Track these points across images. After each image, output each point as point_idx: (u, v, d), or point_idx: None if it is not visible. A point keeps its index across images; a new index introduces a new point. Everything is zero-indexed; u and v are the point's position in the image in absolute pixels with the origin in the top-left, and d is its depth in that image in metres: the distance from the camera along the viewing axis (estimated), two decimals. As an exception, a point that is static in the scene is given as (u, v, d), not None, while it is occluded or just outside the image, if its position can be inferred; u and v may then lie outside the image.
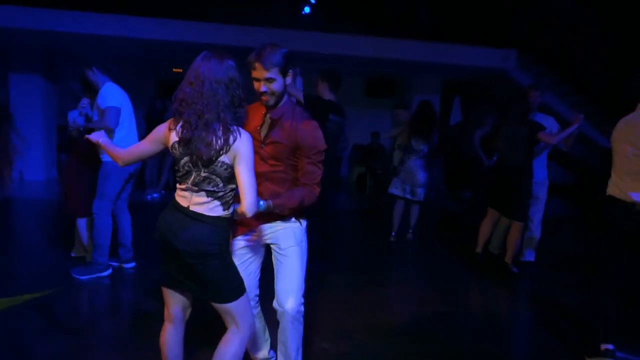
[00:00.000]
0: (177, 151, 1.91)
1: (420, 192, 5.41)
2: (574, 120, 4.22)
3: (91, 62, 3.82)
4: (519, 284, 4.50)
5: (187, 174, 1.92)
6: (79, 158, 4.02)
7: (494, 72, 8.47)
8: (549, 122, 4.58)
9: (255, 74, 2.07)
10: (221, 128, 1.82)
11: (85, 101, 4.02)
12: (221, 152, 1.82)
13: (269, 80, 2.05)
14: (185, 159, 1.89)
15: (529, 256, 4.80)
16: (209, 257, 1.89)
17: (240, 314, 1.99)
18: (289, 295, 2.16)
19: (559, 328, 3.49)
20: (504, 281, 4.46)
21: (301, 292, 2.21)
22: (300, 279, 2.21)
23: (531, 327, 3.62)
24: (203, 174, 1.88)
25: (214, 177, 1.87)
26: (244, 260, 2.26)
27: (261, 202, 1.94)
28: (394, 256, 5.25)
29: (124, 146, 3.91)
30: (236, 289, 1.98)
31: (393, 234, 5.56)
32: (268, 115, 2.16)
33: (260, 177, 2.07)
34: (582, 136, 8.76)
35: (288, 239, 2.22)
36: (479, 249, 4.72)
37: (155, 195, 7.40)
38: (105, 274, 3.91)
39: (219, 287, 1.94)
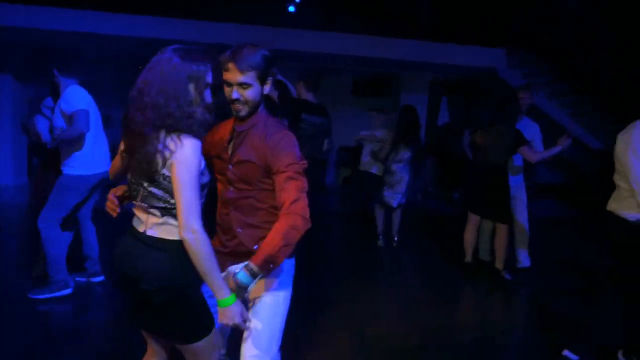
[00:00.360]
0: (124, 162, 1.63)
1: (400, 198, 5.25)
2: (561, 141, 4.00)
3: (55, 63, 3.53)
4: (513, 292, 4.30)
5: (135, 189, 1.63)
6: (50, 164, 3.68)
7: (484, 71, 8.31)
8: (534, 130, 4.46)
9: (227, 76, 1.71)
10: (163, 136, 1.53)
11: (48, 101, 3.75)
12: (162, 164, 1.53)
13: (243, 85, 1.70)
14: (131, 171, 1.61)
15: (525, 261, 4.64)
16: (169, 293, 1.57)
17: (206, 355, 1.69)
18: None
19: (557, 339, 3.28)
20: (497, 290, 4.27)
21: (271, 356, 1.78)
22: (271, 341, 1.78)
23: (528, 341, 3.40)
24: (148, 189, 1.59)
25: (160, 192, 1.58)
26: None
27: (238, 272, 1.58)
28: (382, 265, 5.01)
29: (94, 151, 3.75)
30: (202, 328, 1.66)
31: (380, 237, 5.42)
32: (234, 128, 1.81)
33: (227, 205, 1.81)
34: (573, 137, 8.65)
35: (259, 286, 1.73)
36: (468, 258, 4.51)
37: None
38: (64, 292, 3.55)
39: (180, 328, 1.64)
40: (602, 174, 8.28)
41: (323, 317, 3.49)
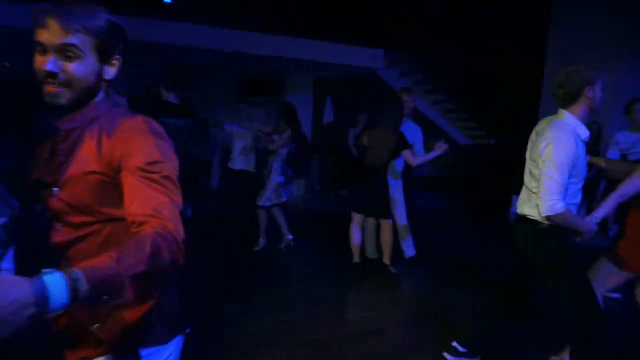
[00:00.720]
0: None
1: (283, 194, 5.12)
2: (438, 146, 4.18)
3: None
4: (402, 286, 4.40)
5: None
6: None
7: (364, 71, 8.54)
8: (417, 134, 4.63)
9: (42, 36, 1.10)
10: None
11: None
12: None
13: (68, 52, 1.10)
14: None
15: (410, 252, 4.81)
16: None
17: None
18: None
19: (445, 331, 3.38)
20: (386, 286, 4.33)
21: None
22: None
23: (418, 333, 3.46)
24: None
25: None
26: None
27: (48, 273, 0.83)
28: (264, 273, 4.71)
29: None
30: None
31: (262, 240, 5.21)
32: (58, 127, 1.20)
33: (58, 258, 1.20)
34: (443, 133, 9.33)
35: None
36: (356, 259, 4.54)
37: None
38: None
39: None
40: (468, 167, 9.13)
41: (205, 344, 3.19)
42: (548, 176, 2.25)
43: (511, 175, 8.70)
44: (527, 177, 2.57)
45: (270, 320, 3.53)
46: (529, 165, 2.56)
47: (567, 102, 2.38)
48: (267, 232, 5.27)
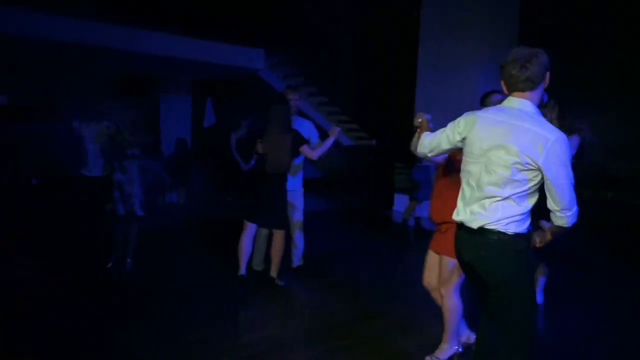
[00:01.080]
0: None
1: (136, 204, 4.52)
2: (332, 132, 4.12)
3: None
4: (289, 298, 4.20)
5: None
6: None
7: (245, 72, 8.27)
8: (309, 127, 4.51)
9: None
10: None
11: None
12: None
13: None
14: None
15: (298, 261, 4.63)
16: None
17: None
18: None
19: (334, 340, 3.26)
20: (275, 299, 4.09)
21: None
22: None
23: (309, 348, 3.28)
24: None
25: None
26: None
27: None
28: (130, 295, 4.09)
29: None
30: None
31: (112, 258, 4.55)
32: None
33: None
34: (328, 135, 9.41)
35: None
36: (242, 270, 4.21)
37: None
38: None
39: None
40: (351, 168, 9.34)
41: None
42: (566, 182, 1.90)
43: (392, 174, 9.17)
44: (475, 180, 2.07)
45: (149, 350, 3.08)
46: (477, 166, 2.05)
47: (528, 86, 1.98)
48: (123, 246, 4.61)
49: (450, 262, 2.71)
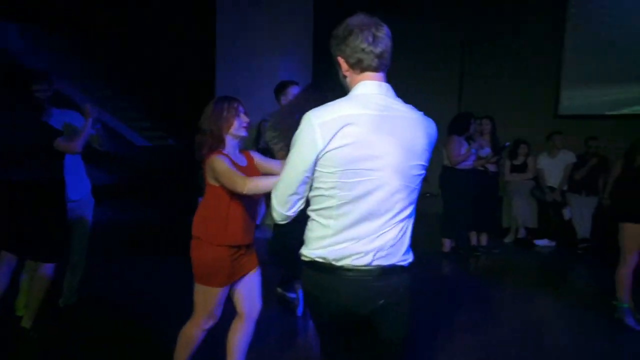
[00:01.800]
0: None
1: None
2: (87, 112, 3.13)
3: None
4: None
5: None
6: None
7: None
8: (75, 116, 3.45)
9: None
10: None
11: None
12: None
13: None
14: None
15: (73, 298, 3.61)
16: None
17: None
18: None
19: None
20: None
21: None
22: None
23: None
24: None
25: None
26: None
27: None
28: None
29: None
30: None
31: None
32: None
33: None
34: (116, 134, 8.15)
35: None
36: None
37: None
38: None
39: None
40: (149, 171, 8.27)
41: None
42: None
43: (195, 176, 8.41)
44: (388, 199, 1.46)
45: None
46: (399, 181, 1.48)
47: (383, 69, 1.53)
48: None
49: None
